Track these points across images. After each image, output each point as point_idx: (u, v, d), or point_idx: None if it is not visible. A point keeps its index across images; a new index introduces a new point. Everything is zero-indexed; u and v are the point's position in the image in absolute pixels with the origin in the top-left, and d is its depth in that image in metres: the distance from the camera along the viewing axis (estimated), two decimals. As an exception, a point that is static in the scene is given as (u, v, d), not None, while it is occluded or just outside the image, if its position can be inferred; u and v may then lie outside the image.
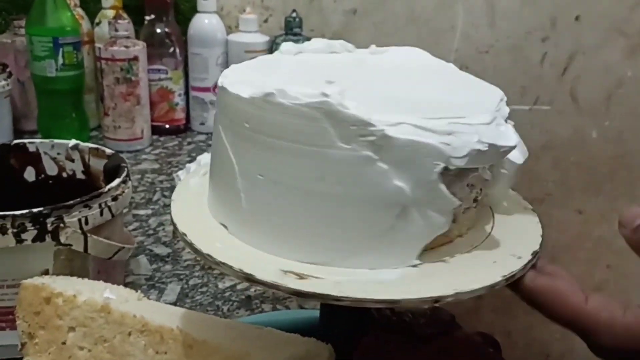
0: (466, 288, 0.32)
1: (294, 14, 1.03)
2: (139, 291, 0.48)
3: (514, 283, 0.35)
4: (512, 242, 0.37)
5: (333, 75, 0.36)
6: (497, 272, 0.33)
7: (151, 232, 0.72)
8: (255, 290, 0.61)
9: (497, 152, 0.33)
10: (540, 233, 0.38)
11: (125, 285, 0.61)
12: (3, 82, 0.89)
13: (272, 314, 0.57)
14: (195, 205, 0.40)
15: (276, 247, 0.35)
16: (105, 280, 0.49)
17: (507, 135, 0.34)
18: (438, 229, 0.33)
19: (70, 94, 0.94)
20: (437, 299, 0.31)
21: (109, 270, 0.55)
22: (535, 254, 0.35)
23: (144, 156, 0.95)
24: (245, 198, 0.35)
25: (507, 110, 0.37)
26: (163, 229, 0.72)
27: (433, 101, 0.36)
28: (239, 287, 0.62)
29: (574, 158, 1.22)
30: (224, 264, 0.33)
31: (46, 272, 0.50)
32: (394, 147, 0.31)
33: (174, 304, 0.58)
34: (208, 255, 0.34)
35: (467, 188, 0.35)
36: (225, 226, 0.37)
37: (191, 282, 0.62)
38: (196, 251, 0.35)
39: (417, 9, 1.13)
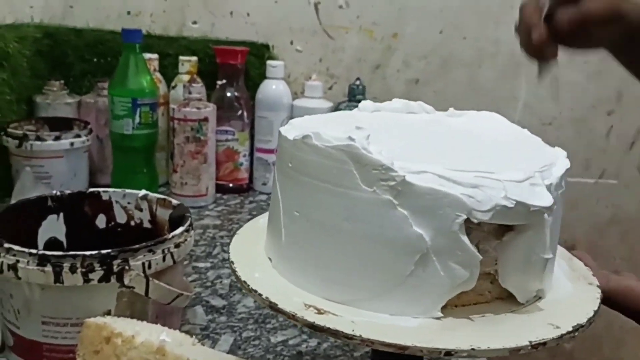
0: (483, 345, 0.31)
1: (357, 82, 1.07)
2: (194, 336, 0.49)
3: None
4: (556, 312, 0.36)
5: (390, 131, 0.39)
6: (524, 336, 0.33)
7: (209, 284, 0.74)
8: (306, 346, 0.61)
9: (527, 211, 0.33)
10: (595, 308, 0.36)
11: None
12: (84, 138, 0.96)
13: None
14: (252, 241, 0.42)
15: (306, 281, 0.37)
16: (163, 325, 0.51)
17: (540, 195, 0.33)
18: (461, 282, 0.33)
19: (144, 150, 1.00)
20: (448, 351, 0.31)
21: (167, 315, 0.57)
22: (577, 328, 0.34)
23: (206, 212, 0.99)
24: (284, 233, 0.38)
25: (558, 175, 0.36)
26: (220, 282, 0.74)
27: (470, 156, 0.37)
28: (290, 342, 0.62)
29: (642, 234, 1.18)
30: (255, 291, 0.36)
31: (108, 313, 0.52)
32: (414, 194, 0.33)
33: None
34: (244, 282, 0.37)
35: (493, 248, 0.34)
36: (270, 259, 0.39)
37: (244, 335, 0.63)
38: (237, 278, 0.38)
39: (479, 78, 1.15)
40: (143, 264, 0.52)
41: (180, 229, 0.56)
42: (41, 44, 1.10)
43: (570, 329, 0.34)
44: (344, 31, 1.12)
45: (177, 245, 0.55)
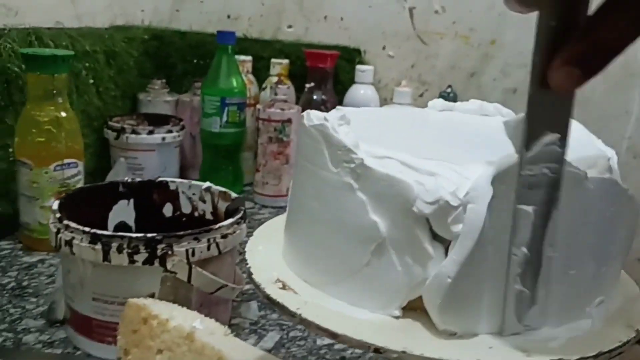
0: (417, 350, 0.29)
1: (448, 89, 1.03)
2: (226, 327, 0.49)
3: None
4: (531, 343, 0.31)
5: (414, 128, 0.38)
6: (474, 354, 0.29)
7: (270, 281, 0.74)
8: (351, 353, 0.59)
9: None
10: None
11: (230, 325, 0.63)
12: (175, 134, 1.01)
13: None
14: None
15: (293, 261, 0.37)
16: (207, 315, 0.51)
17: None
18: (419, 281, 0.31)
19: (230, 149, 1.03)
20: (377, 348, 0.30)
21: (212, 305, 0.57)
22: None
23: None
24: (287, 214, 0.39)
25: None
26: (281, 280, 0.74)
27: (455, 150, 0.35)
28: (336, 346, 0.60)
29: None
30: (245, 260, 0.38)
31: (152, 296, 0.53)
32: (372, 178, 0.31)
33: (269, 351, 0.58)
34: (245, 252, 0.39)
35: None
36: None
37: (291, 334, 0.62)
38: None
39: (586, 90, 1.06)
40: (187, 250, 0.53)
41: (229, 221, 0.57)
42: (149, 45, 1.17)
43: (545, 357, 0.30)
44: (439, 37, 1.09)
45: (224, 236, 0.55)
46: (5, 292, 0.66)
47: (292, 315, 0.32)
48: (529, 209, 0.30)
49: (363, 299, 0.33)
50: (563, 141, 0.29)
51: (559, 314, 0.32)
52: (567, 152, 0.30)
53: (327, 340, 0.61)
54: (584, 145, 0.36)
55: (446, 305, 0.30)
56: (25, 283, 0.69)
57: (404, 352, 0.29)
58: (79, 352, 0.56)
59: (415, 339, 0.30)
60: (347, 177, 0.32)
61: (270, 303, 0.34)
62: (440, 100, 0.45)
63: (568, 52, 0.27)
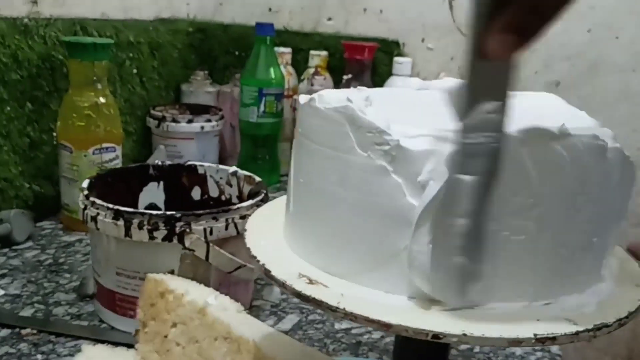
0: (477, 332, 0.28)
1: (487, 82, 1.01)
2: (239, 304, 0.50)
3: None
4: (574, 310, 0.31)
5: (410, 107, 0.37)
6: (530, 328, 0.29)
7: (295, 267, 0.74)
8: (368, 337, 0.59)
9: None
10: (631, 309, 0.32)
11: (251, 307, 0.64)
12: (214, 123, 1.03)
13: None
14: (275, 212, 0.42)
15: (308, 252, 0.35)
16: (226, 295, 0.53)
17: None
18: None
19: (266, 139, 1.04)
20: (436, 334, 0.28)
21: (231, 285, 0.58)
22: (600, 327, 0.29)
23: (319, 203, 1.00)
24: (292, 201, 0.37)
25: None
26: (306, 267, 0.75)
27: None
28: (354, 331, 0.60)
29: None
30: (254, 257, 0.35)
31: (171, 272, 0.55)
32: (408, 160, 0.30)
33: (286, 332, 0.59)
34: (248, 248, 0.37)
35: None
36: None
37: (310, 317, 0.63)
38: (245, 246, 0.37)
39: (633, 84, 1.02)
40: (205, 229, 0.54)
41: (248, 202, 0.58)
42: (193, 37, 1.20)
43: (591, 327, 0.29)
44: (479, 29, 1.07)
45: (242, 217, 0.56)
46: (42, 267, 0.70)
47: (333, 310, 0.30)
48: (469, 178, 0.29)
49: (399, 285, 0.31)
50: (502, 109, 0.29)
51: (585, 280, 0.33)
52: (506, 121, 0.29)
53: (345, 325, 0.61)
54: (579, 118, 0.36)
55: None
56: (61, 260, 0.72)
57: (464, 334, 0.28)
58: (103, 325, 0.59)
59: (467, 320, 0.29)
60: (380, 160, 0.31)
61: (303, 300, 0.32)
62: (417, 79, 0.44)
63: (502, 19, 0.27)
